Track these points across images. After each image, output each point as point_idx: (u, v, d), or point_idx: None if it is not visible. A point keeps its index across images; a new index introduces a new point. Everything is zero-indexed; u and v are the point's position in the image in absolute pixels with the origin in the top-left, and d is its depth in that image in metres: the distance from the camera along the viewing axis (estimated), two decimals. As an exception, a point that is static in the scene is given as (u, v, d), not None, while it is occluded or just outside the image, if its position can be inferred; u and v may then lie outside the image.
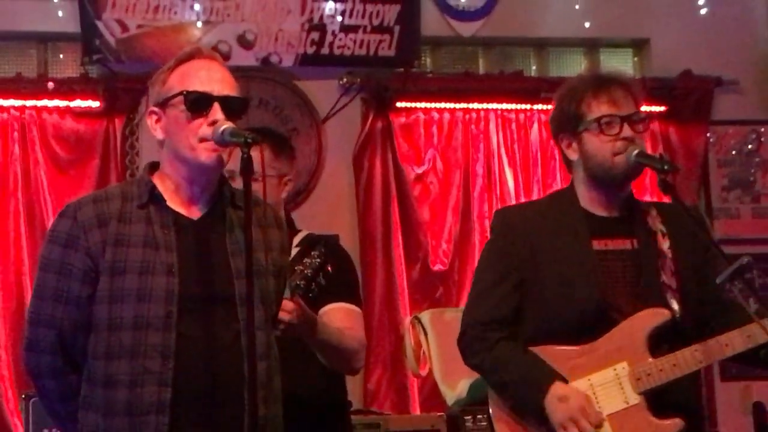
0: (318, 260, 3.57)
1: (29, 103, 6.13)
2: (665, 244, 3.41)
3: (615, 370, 3.35)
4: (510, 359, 3.46)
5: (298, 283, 3.45)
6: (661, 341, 3.31)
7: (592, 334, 3.38)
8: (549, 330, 3.43)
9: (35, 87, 6.14)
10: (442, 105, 6.57)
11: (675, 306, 3.33)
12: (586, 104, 3.43)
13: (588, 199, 3.51)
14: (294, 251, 3.69)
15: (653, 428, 3.30)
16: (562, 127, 3.50)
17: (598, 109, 3.41)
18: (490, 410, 3.58)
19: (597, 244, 3.45)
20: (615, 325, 3.36)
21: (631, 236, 3.45)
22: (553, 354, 3.40)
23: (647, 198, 5.62)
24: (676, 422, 3.29)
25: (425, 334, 5.64)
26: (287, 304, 3.24)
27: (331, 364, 3.76)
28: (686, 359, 3.28)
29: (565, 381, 3.35)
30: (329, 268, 3.63)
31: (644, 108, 3.51)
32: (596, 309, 3.38)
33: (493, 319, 3.50)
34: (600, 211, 3.48)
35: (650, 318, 3.35)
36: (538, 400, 3.35)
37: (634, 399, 3.32)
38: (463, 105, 6.58)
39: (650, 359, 3.32)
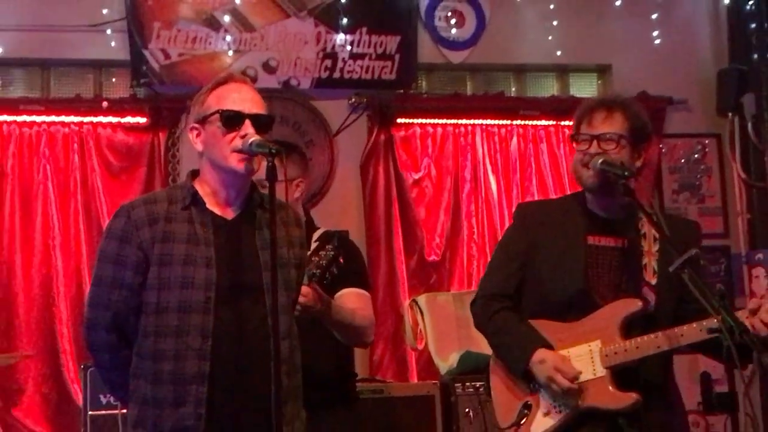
0: (331, 252, 3.57)
1: (87, 119, 6.13)
2: (654, 247, 3.41)
3: (590, 346, 3.37)
4: (505, 326, 3.53)
5: (314, 271, 3.45)
6: (635, 327, 3.33)
7: (577, 314, 3.42)
8: (542, 306, 3.49)
9: (92, 106, 6.13)
10: (436, 121, 6.56)
11: (650, 299, 3.34)
12: (579, 123, 3.49)
13: (591, 201, 3.54)
14: (313, 245, 3.70)
15: (610, 397, 3.33)
16: (571, 138, 3.59)
17: (583, 128, 3.47)
18: (491, 363, 3.64)
19: (591, 239, 3.49)
20: (596, 309, 3.39)
21: (623, 236, 3.47)
22: (543, 326, 3.45)
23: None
24: (632, 396, 3.32)
25: (421, 314, 5.66)
26: (304, 289, 3.26)
27: (346, 339, 3.79)
28: (648, 343, 3.30)
29: (550, 347, 3.37)
30: (341, 260, 3.61)
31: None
32: (580, 293, 3.42)
33: (498, 293, 3.58)
34: (600, 212, 3.51)
35: (625, 306, 3.37)
36: (523, 363, 3.40)
37: (601, 372, 3.35)
38: (453, 121, 6.57)
39: (619, 340, 3.33)
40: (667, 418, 3.42)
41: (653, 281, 3.38)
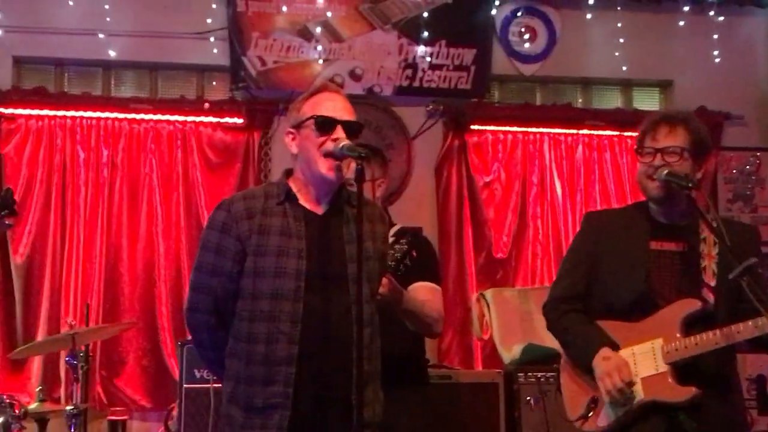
0: (405, 247, 3.63)
1: (189, 119, 6.23)
2: (714, 251, 3.42)
3: (652, 344, 3.40)
4: (573, 326, 3.58)
5: (389, 263, 3.47)
6: (695, 325, 3.35)
7: (640, 315, 3.45)
8: (608, 308, 3.52)
9: (194, 107, 6.26)
10: (506, 129, 6.59)
11: (709, 299, 3.37)
12: (643, 137, 3.52)
13: (654, 209, 3.55)
14: (390, 240, 3.68)
15: (671, 391, 3.34)
16: (636, 151, 3.59)
17: (647, 141, 3.50)
18: (561, 361, 3.69)
19: (654, 245, 3.50)
20: (658, 309, 3.42)
21: (684, 241, 3.48)
22: (609, 327, 3.50)
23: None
24: (691, 390, 3.32)
25: (488, 307, 5.68)
26: (385, 281, 3.31)
27: (416, 328, 3.81)
28: (706, 340, 3.30)
29: (615, 347, 3.43)
30: (414, 254, 3.64)
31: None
32: (643, 295, 3.44)
33: (567, 296, 3.63)
34: (662, 219, 3.52)
35: (685, 306, 3.39)
36: (589, 357, 3.45)
37: (663, 367, 3.37)
38: (523, 129, 6.60)
39: (680, 338, 3.37)
40: (726, 412, 3.39)
41: (712, 283, 3.37)
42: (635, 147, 3.61)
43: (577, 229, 3.88)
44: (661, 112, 3.80)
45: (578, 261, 3.66)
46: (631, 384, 3.38)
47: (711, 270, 3.41)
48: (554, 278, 3.86)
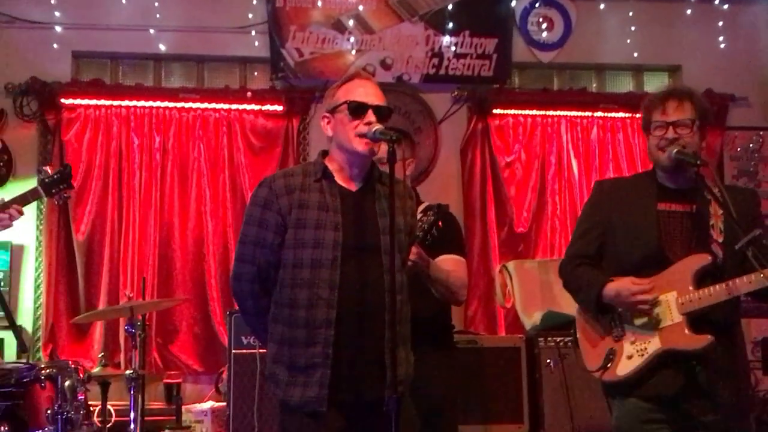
0: (432, 218, 3.57)
1: (234, 106, 6.25)
2: (719, 210, 3.37)
3: (666, 297, 3.37)
4: (584, 273, 3.55)
5: (418, 234, 3.46)
6: (706, 278, 3.33)
7: (653, 271, 3.40)
8: (621, 267, 3.50)
9: (238, 95, 6.27)
10: (526, 112, 6.56)
11: (718, 253, 3.34)
12: (649, 111, 3.48)
13: (662, 176, 3.52)
14: (419, 215, 3.68)
15: (687, 340, 3.32)
16: (643, 127, 3.55)
17: (656, 116, 3.45)
18: (576, 316, 3.66)
19: (661, 206, 3.47)
20: (670, 265, 3.39)
21: (692, 203, 3.44)
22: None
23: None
24: (707, 337, 3.30)
25: (510, 277, 5.69)
26: (411, 249, 3.29)
27: (442, 296, 3.78)
28: (719, 291, 3.28)
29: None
30: (440, 224, 3.59)
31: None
32: (655, 252, 3.41)
33: (579, 254, 3.61)
34: (669, 184, 3.50)
35: (697, 260, 3.36)
36: (596, 293, 3.42)
37: (678, 318, 3.34)
38: (542, 112, 6.57)
39: (693, 290, 3.34)
40: (731, 359, 3.37)
41: (720, 239, 3.36)
42: (642, 124, 3.58)
43: (592, 199, 3.88)
44: (665, 89, 3.76)
45: (590, 226, 3.65)
46: (655, 301, 3.36)
47: (718, 227, 3.39)
48: (570, 242, 3.87)
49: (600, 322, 3.53)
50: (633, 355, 3.43)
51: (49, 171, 3.63)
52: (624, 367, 3.44)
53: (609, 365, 3.48)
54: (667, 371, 3.37)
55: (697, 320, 3.33)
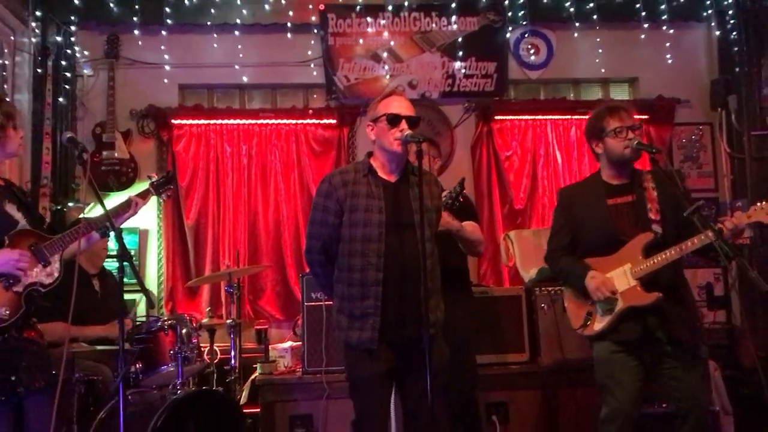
0: (456, 192, 3.65)
1: (299, 121, 6.24)
2: (653, 195, 3.40)
3: (624, 268, 3.43)
4: (567, 265, 3.62)
5: (447, 202, 3.55)
6: (653, 250, 3.35)
7: (612, 251, 3.46)
8: (588, 249, 3.55)
9: (302, 113, 6.27)
10: (520, 117, 6.49)
11: (658, 231, 3.35)
12: (606, 122, 3.46)
13: (607, 175, 3.54)
14: (444, 195, 3.67)
15: (642, 297, 3.37)
16: (592, 135, 3.55)
17: (614, 124, 3.44)
18: (564, 291, 3.69)
19: (610, 201, 3.50)
20: (624, 245, 3.44)
21: (632, 193, 3.48)
22: (592, 262, 3.52)
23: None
24: (655, 294, 3.33)
25: (512, 243, 5.69)
26: (444, 214, 3.35)
27: (468, 249, 3.91)
28: (664, 257, 3.32)
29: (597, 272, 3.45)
30: (461, 199, 3.67)
31: (636, 117, 3.55)
32: (611, 237, 3.45)
33: (558, 247, 3.67)
34: (613, 181, 3.53)
35: (643, 239, 3.40)
36: (581, 281, 3.47)
37: (633, 282, 3.39)
38: (532, 117, 6.50)
39: (643, 260, 3.34)
40: (681, 311, 3.40)
41: (657, 218, 3.39)
42: (593, 132, 3.55)
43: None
44: (609, 103, 3.75)
45: (561, 224, 3.69)
46: (614, 292, 3.38)
47: (655, 209, 3.41)
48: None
49: (580, 292, 3.55)
50: (604, 315, 3.46)
51: (156, 176, 3.71)
52: (599, 324, 3.49)
53: (588, 323, 3.52)
54: (629, 322, 3.41)
55: (649, 283, 3.36)
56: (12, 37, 5.48)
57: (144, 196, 3.57)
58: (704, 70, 6.63)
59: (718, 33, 6.57)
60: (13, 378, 3.04)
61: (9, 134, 3.19)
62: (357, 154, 6.19)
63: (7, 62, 5.36)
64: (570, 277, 3.60)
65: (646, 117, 6.37)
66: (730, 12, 6.43)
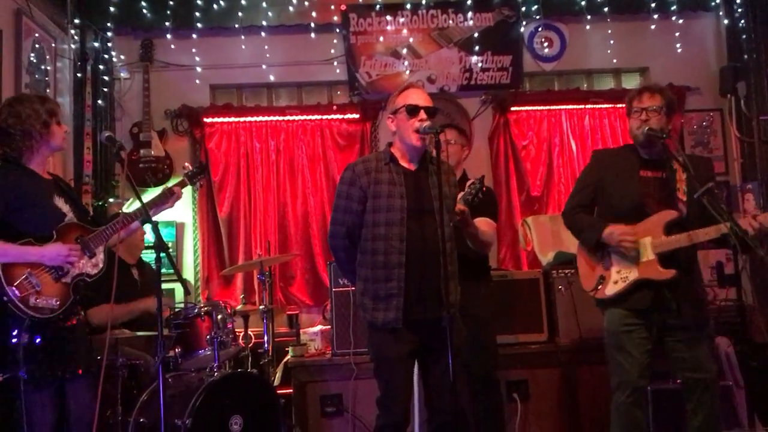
0: (476, 187, 3.56)
1: (324, 117, 6.24)
2: (683, 176, 3.37)
3: (645, 240, 3.39)
4: (583, 219, 3.59)
5: (467, 197, 3.44)
6: (675, 228, 3.34)
7: (635, 220, 3.44)
8: (611, 216, 3.52)
9: (327, 108, 6.26)
10: (536, 108, 6.43)
11: (683, 210, 3.32)
12: (630, 102, 3.45)
13: (641, 150, 3.52)
14: (468, 185, 3.68)
15: (658, 272, 3.36)
16: (627, 113, 3.53)
17: (635, 104, 3.44)
18: (577, 249, 3.65)
19: (642, 173, 3.48)
20: (647, 217, 3.40)
21: (663, 170, 3.45)
22: (614, 228, 3.46)
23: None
24: (672, 271, 3.33)
25: (529, 228, 5.68)
26: (459, 207, 3.27)
27: (472, 245, 3.75)
28: (682, 238, 3.29)
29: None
30: (481, 194, 3.62)
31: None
32: (638, 207, 3.43)
33: (579, 204, 3.64)
34: (647, 156, 3.50)
35: (667, 215, 3.38)
36: (597, 235, 3.45)
37: (651, 256, 3.37)
38: (547, 107, 6.44)
39: (663, 237, 3.32)
40: (691, 289, 3.40)
41: (684, 198, 3.35)
42: (626, 110, 3.55)
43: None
44: (643, 85, 3.73)
45: (587, 183, 3.66)
46: (637, 242, 3.34)
47: (683, 189, 3.38)
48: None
49: (595, 255, 3.53)
50: (618, 281, 3.44)
51: (189, 166, 3.76)
52: (611, 289, 3.46)
53: (600, 287, 3.50)
54: (641, 292, 3.40)
55: (665, 258, 3.33)
56: (53, 44, 5.55)
57: (180, 185, 3.62)
58: (713, 58, 6.53)
59: (726, 22, 6.46)
60: (58, 363, 3.09)
61: (53, 130, 3.25)
62: (380, 147, 6.12)
63: (49, 68, 5.43)
64: (587, 231, 3.54)
65: (657, 105, 6.27)
66: (738, 1, 6.32)
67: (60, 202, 3.24)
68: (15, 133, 3.14)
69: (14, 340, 2.95)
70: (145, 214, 3.18)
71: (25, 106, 3.18)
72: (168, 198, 3.50)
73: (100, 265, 3.25)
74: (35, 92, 4.96)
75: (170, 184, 3.68)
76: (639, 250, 3.38)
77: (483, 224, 3.76)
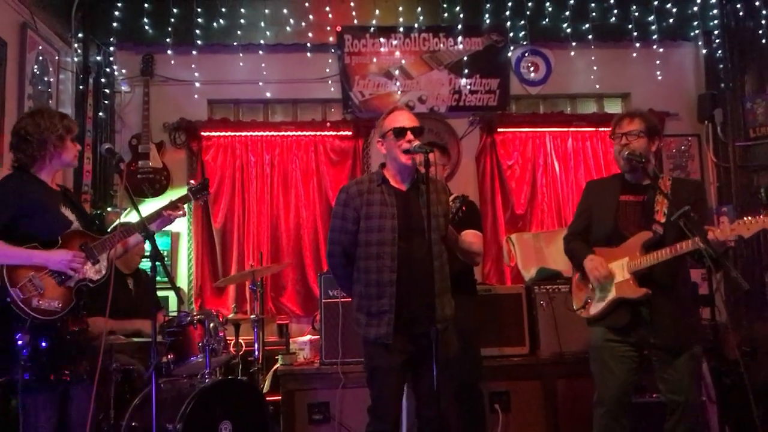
0: (458, 204, 3.61)
1: (318, 133, 6.25)
2: (663, 199, 3.36)
3: (622, 261, 3.41)
4: (576, 247, 3.60)
5: (449, 215, 3.48)
6: (653, 248, 3.33)
7: (614, 243, 3.45)
8: (596, 239, 3.54)
9: (321, 125, 6.28)
10: (521, 129, 6.48)
11: (658, 231, 3.33)
12: (613, 127, 3.48)
13: (627, 175, 3.53)
14: (450, 203, 3.70)
15: (632, 290, 3.36)
16: (611, 138, 3.53)
17: (616, 129, 3.46)
18: (572, 274, 3.70)
19: (623, 198, 3.49)
20: (626, 240, 3.42)
21: (644, 194, 3.46)
22: (598, 251, 3.50)
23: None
24: (643, 290, 3.32)
25: (513, 245, 5.67)
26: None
27: (465, 258, 3.80)
28: (656, 255, 3.29)
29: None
30: (464, 209, 3.63)
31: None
32: (613, 230, 3.45)
33: (575, 232, 3.65)
34: (631, 180, 3.50)
35: (643, 236, 3.39)
36: (582, 260, 3.47)
37: (627, 276, 3.38)
38: (532, 129, 6.48)
39: (639, 256, 3.34)
40: (673, 307, 3.34)
41: (662, 220, 3.36)
42: (610, 135, 3.58)
43: (571, 193, 3.85)
44: (625, 111, 3.77)
45: (580, 212, 3.70)
46: (609, 276, 3.37)
47: (662, 212, 3.39)
48: (556, 226, 3.87)
49: (584, 278, 3.56)
50: (600, 301, 3.45)
51: (194, 183, 3.77)
52: (594, 308, 3.49)
53: (586, 306, 3.52)
54: (619, 310, 3.41)
55: (643, 278, 3.34)
56: (56, 57, 5.54)
57: (182, 200, 3.61)
58: (692, 86, 6.60)
59: (704, 51, 6.55)
60: (63, 366, 3.08)
61: (67, 145, 3.27)
62: (371, 163, 6.20)
63: (52, 80, 5.42)
64: (575, 257, 3.61)
65: (637, 129, 6.33)
66: (716, 32, 6.42)
67: (66, 211, 3.26)
68: (32, 141, 3.18)
69: (19, 342, 2.93)
70: (143, 228, 3.20)
71: (46, 118, 3.23)
72: (159, 216, 3.48)
73: (103, 272, 3.26)
74: (44, 105, 4.97)
75: (169, 197, 3.67)
76: (616, 272, 3.42)
77: (470, 236, 3.76)
